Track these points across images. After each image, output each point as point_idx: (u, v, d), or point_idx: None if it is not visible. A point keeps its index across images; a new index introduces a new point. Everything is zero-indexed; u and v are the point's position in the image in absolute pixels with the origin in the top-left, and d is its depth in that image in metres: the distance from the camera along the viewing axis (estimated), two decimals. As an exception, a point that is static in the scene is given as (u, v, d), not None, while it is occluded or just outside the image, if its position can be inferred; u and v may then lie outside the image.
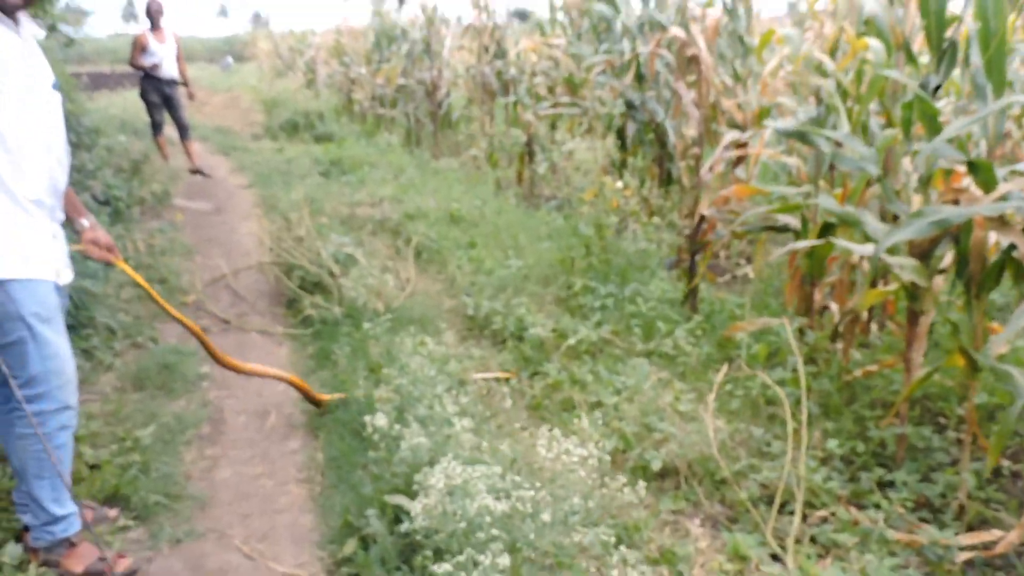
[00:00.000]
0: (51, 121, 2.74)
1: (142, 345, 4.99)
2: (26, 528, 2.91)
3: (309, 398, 4.08)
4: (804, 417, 3.03)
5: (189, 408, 4.23)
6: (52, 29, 6.72)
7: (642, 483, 2.41)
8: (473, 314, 5.08)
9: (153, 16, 9.44)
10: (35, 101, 2.65)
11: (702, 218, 5.04)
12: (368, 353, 4.36)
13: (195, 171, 10.17)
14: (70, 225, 3.08)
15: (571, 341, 4.40)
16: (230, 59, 39.59)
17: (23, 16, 2.68)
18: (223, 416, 4.21)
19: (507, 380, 4.20)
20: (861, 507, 3.07)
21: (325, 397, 4.06)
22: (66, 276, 2.80)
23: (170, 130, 10.15)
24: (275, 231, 6.48)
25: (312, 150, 11.83)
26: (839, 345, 4.10)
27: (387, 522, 2.77)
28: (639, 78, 7.16)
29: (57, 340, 2.71)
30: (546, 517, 2.07)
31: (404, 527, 2.35)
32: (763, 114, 6.20)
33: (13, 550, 2.81)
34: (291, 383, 4.06)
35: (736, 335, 4.31)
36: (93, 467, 3.42)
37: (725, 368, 3.58)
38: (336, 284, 5.43)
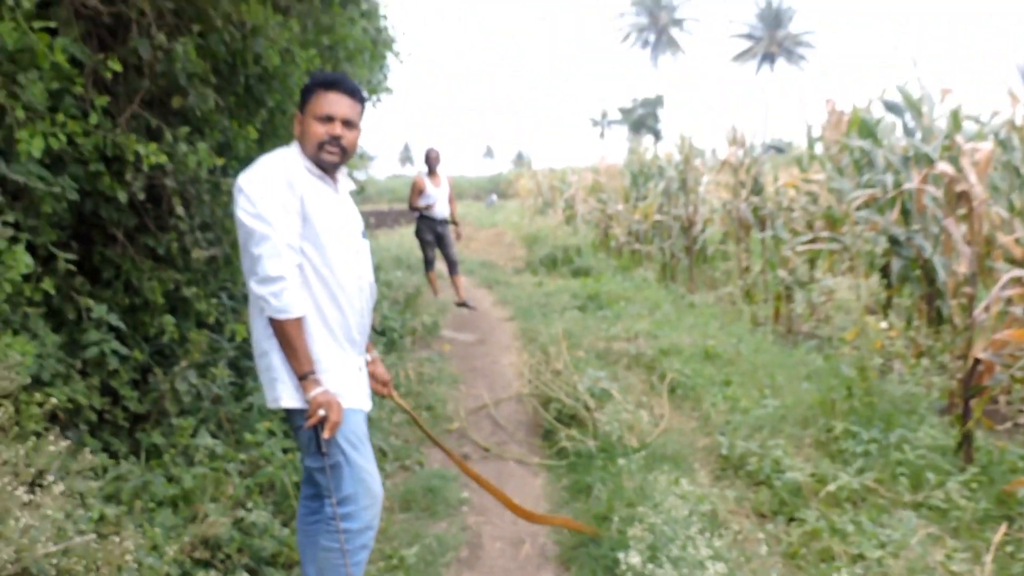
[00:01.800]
0: (362, 266, 3.12)
1: (410, 468, 5.33)
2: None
3: (573, 527, 4.20)
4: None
5: (450, 531, 4.45)
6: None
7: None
8: (727, 453, 5.02)
9: (431, 163, 10.38)
10: (349, 248, 3.05)
11: (976, 361, 4.74)
12: (623, 488, 4.41)
13: (461, 304, 10.84)
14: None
15: (831, 487, 4.22)
16: (494, 196, 42.20)
17: (340, 173, 3.13)
18: (480, 541, 4.39)
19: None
20: None
21: (586, 528, 4.16)
22: (369, 404, 3.14)
23: (440, 265, 10.96)
24: (534, 363, 6.76)
25: (570, 284, 12.26)
26: None
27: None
28: (904, 213, 6.94)
29: (367, 465, 3.02)
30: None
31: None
32: (1045, 250, 5.79)
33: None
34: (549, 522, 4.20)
35: (1018, 491, 3.96)
36: (363, 582, 3.67)
37: (1004, 527, 3.30)
38: (591, 417, 5.56)
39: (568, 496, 4.85)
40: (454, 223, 10.66)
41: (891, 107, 7.52)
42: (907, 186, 6.50)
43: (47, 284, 3.66)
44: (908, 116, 7.30)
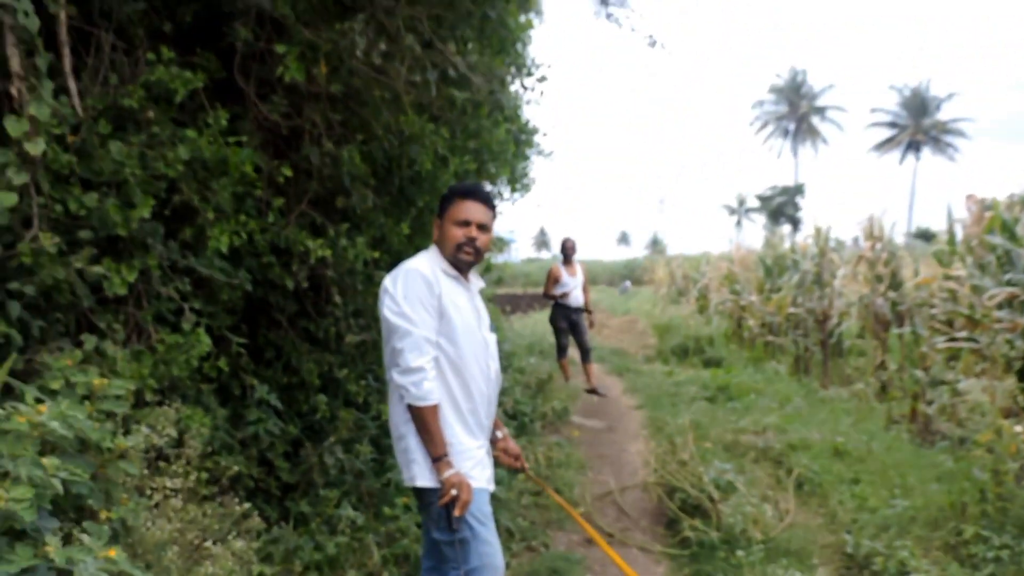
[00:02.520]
0: (490, 356, 3.44)
1: (536, 549, 5.52)
2: None
3: None
4: None
5: (573, 614, 4.62)
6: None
7: None
8: (852, 552, 5.01)
9: (567, 252, 10.75)
10: (479, 341, 3.37)
11: (1118, 470, 4.62)
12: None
13: (591, 391, 11.03)
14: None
15: (958, 592, 4.19)
16: (628, 283, 42.37)
17: (472, 273, 3.48)
18: (603, 625, 4.54)
19: None
20: None
21: None
22: (493, 486, 3.41)
23: (572, 351, 11.22)
24: (660, 453, 6.89)
25: (700, 375, 12.29)
26: None
27: None
28: (1045, 315, 6.80)
29: (492, 540, 3.27)
30: None
31: None
32: None
33: None
34: None
35: None
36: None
37: None
38: (715, 509, 5.64)
39: (690, 586, 4.94)
40: (587, 311, 10.94)
41: (1031, 206, 7.42)
42: (1045, 287, 6.40)
43: (222, 363, 4.14)
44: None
